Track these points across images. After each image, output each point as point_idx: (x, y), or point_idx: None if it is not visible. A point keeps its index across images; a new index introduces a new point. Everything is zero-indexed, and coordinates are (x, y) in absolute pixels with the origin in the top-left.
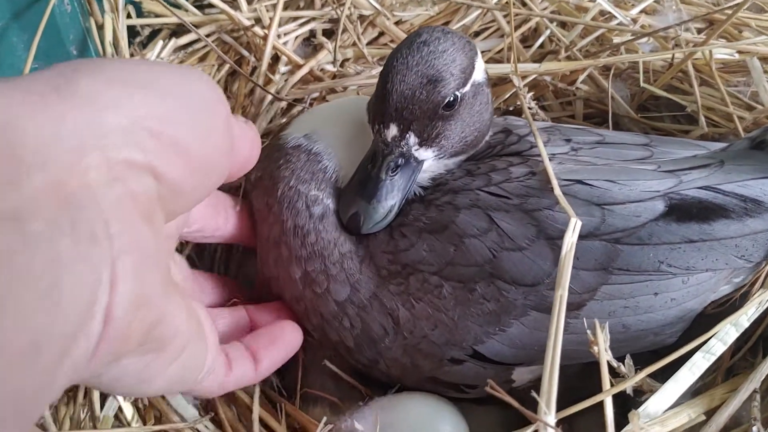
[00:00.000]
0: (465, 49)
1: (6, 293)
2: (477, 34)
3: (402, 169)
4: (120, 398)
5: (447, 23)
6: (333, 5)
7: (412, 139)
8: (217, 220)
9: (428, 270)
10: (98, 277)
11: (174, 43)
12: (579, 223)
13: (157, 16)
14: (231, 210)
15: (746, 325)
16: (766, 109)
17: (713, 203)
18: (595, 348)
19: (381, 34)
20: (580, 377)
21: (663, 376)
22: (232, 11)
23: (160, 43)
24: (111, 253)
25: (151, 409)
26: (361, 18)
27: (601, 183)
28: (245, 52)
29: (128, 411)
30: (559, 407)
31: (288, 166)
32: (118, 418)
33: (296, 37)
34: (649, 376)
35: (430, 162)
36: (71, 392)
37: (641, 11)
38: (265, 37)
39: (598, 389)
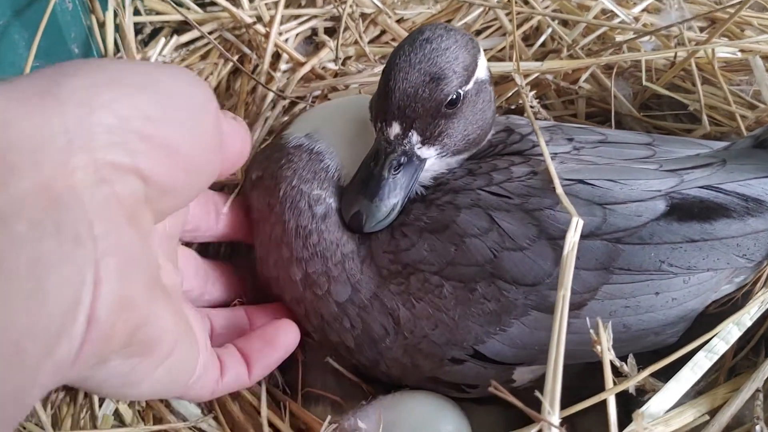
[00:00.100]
0: (468, 46)
1: None
2: (479, 32)
3: (405, 167)
4: None
5: (449, 21)
6: (335, 3)
7: (415, 137)
8: (209, 219)
9: (429, 270)
10: (82, 278)
11: (176, 40)
12: (581, 223)
13: (158, 13)
14: (222, 208)
15: (749, 324)
16: None
17: (714, 202)
18: (598, 347)
19: (383, 32)
20: (580, 377)
21: (665, 375)
22: (233, 9)
23: (162, 40)
24: (95, 254)
25: (150, 410)
26: (363, 16)
27: (603, 182)
28: (247, 50)
29: (128, 411)
30: (561, 407)
31: (290, 165)
32: (118, 418)
33: (297, 35)
34: (651, 375)
35: (433, 160)
36: (71, 392)
37: (643, 9)
38: (266, 35)
39: (599, 389)
